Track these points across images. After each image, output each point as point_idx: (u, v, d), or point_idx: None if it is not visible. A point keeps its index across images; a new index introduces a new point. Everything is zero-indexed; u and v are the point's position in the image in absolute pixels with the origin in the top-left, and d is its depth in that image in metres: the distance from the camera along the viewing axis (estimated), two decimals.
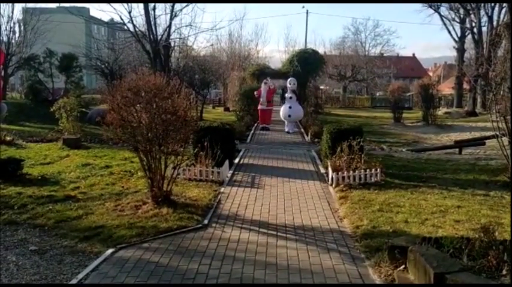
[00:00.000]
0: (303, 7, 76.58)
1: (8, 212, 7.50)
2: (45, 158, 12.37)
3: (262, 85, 20.25)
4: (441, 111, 33.86)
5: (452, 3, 40.58)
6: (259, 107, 20.26)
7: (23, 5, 31.80)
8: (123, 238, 6.27)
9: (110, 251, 5.85)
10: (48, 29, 30.27)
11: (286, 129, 19.28)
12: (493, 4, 36.72)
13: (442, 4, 41.39)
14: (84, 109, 20.64)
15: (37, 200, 8.12)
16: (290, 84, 19.35)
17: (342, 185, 9.26)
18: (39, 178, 9.93)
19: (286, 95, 19.63)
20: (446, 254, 4.72)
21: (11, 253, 5.87)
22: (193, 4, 24.17)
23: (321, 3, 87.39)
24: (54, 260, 5.62)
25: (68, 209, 7.64)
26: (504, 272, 4.37)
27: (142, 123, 7.70)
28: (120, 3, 25.51)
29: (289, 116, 19.10)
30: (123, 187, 9.25)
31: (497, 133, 10.15)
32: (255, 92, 20.53)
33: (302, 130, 19.72)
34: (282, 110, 19.55)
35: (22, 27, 31.22)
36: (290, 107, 19.01)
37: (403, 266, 5.03)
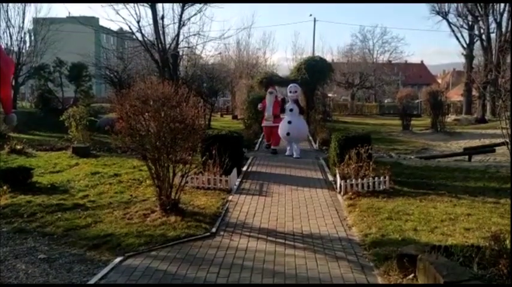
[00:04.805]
0: (310, 15, 76.62)
1: (18, 220, 7.56)
2: (55, 166, 12.44)
3: (267, 96, 16.01)
4: (450, 118, 33.71)
5: (460, 11, 40.56)
6: (264, 123, 16.07)
7: (34, 15, 32.26)
8: (132, 246, 6.29)
9: (118, 259, 5.86)
10: (58, 39, 30.64)
11: (287, 153, 14.80)
12: (501, 10, 36.63)
13: (450, 11, 41.43)
14: (93, 118, 20.75)
15: (46, 208, 8.17)
16: (291, 91, 14.87)
17: (350, 193, 9.23)
18: (49, 186, 9.99)
19: (286, 106, 14.95)
20: (456, 262, 4.68)
21: (20, 261, 5.90)
22: (201, 13, 24.28)
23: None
24: (63, 269, 5.64)
25: (77, 217, 7.68)
26: None
27: (150, 132, 7.74)
28: (130, 14, 25.69)
29: (288, 134, 14.41)
30: (131, 195, 9.27)
31: (507, 140, 10.06)
32: (259, 105, 16.53)
33: (310, 138, 19.59)
34: (281, 126, 14.80)
35: (32, 37, 31.66)
36: (290, 122, 14.38)
37: (412, 274, 4.99)
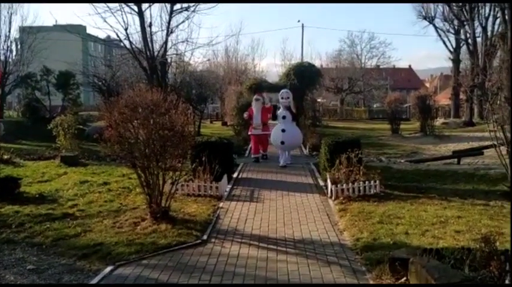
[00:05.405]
0: (299, 21, 76.97)
1: (6, 231, 7.45)
2: (43, 176, 12.30)
3: (254, 102, 15.05)
4: (439, 121, 33.91)
5: (446, 15, 41.09)
6: (252, 131, 15.03)
7: (20, 24, 32.02)
8: (122, 255, 6.23)
9: (108, 268, 5.80)
10: (45, 47, 30.43)
11: (281, 163, 13.87)
12: (487, 15, 37.12)
13: (437, 15, 41.97)
14: (81, 126, 20.62)
15: (35, 218, 8.06)
16: (283, 98, 14.24)
17: (341, 198, 9.23)
18: (37, 196, 9.87)
19: (278, 112, 14.34)
20: (447, 265, 4.69)
21: (9, 272, 5.81)
22: (189, 20, 24.26)
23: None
24: (52, 279, 5.57)
25: (66, 227, 7.58)
26: (507, 282, 4.34)
27: (139, 140, 7.70)
28: (117, 22, 25.58)
29: (282, 143, 13.85)
30: (121, 203, 9.20)
31: (495, 143, 10.16)
32: (245, 114, 15.46)
33: (301, 144, 19.49)
34: (273, 134, 14.33)
35: (19, 46, 31.40)
36: (283, 130, 13.82)
37: (404, 278, 4.99)
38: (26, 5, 32.04)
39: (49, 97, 25.14)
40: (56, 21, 43.14)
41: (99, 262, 6.05)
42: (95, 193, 10.21)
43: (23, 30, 32.05)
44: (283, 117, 14.04)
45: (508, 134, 10.01)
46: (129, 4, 21.67)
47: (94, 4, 21.11)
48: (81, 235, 7.18)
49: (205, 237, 7.01)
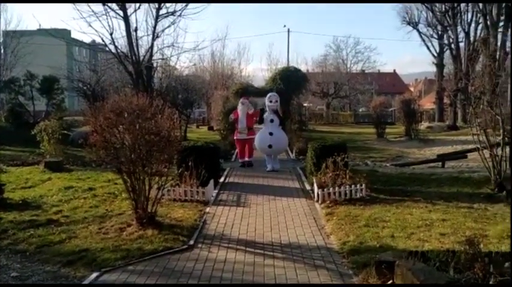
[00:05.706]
0: (284, 26, 77.42)
1: None
2: (27, 182, 12.15)
3: (239, 106, 14.89)
4: (423, 125, 34.30)
5: (429, 21, 41.71)
6: (237, 136, 14.79)
7: (3, 28, 31.70)
8: (108, 261, 6.17)
9: (94, 275, 5.73)
10: (29, 52, 30.15)
11: (269, 168, 13.65)
12: (469, 20, 37.74)
13: (420, 21, 42.62)
14: (66, 131, 20.38)
15: (18, 225, 7.94)
16: (271, 101, 13.90)
17: (327, 202, 9.27)
18: (21, 202, 9.73)
19: (265, 115, 14.01)
20: (432, 267, 4.73)
21: None
22: (175, 25, 24.16)
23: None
24: None
25: (51, 233, 7.49)
26: (491, 282, 4.39)
27: (125, 145, 7.65)
28: (102, 26, 25.39)
29: (270, 146, 13.56)
30: (107, 209, 9.12)
31: (479, 146, 10.31)
32: (231, 116, 15.48)
33: (287, 148, 19.51)
34: (259, 138, 14.01)
35: (2, 51, 31.06)
36: (271, 134, 13.58)
37: (390, 281, 5.02)
38: (9, 9, 31.75)
39: (33, 102, 24.85)
40: (40, 25, 42.78)
41: (84, 268, 5.98)
42: (80, 198, 10.10)
43: (6, 34, 31.72)
44: (271, 120, 13.82)
45: (491, 138, 10.21)
46: (114, 8, 21.54)
47: (79, 8, 20.93)
48: (65, 241, 7.10)
49: (191, 242, 6.98)
